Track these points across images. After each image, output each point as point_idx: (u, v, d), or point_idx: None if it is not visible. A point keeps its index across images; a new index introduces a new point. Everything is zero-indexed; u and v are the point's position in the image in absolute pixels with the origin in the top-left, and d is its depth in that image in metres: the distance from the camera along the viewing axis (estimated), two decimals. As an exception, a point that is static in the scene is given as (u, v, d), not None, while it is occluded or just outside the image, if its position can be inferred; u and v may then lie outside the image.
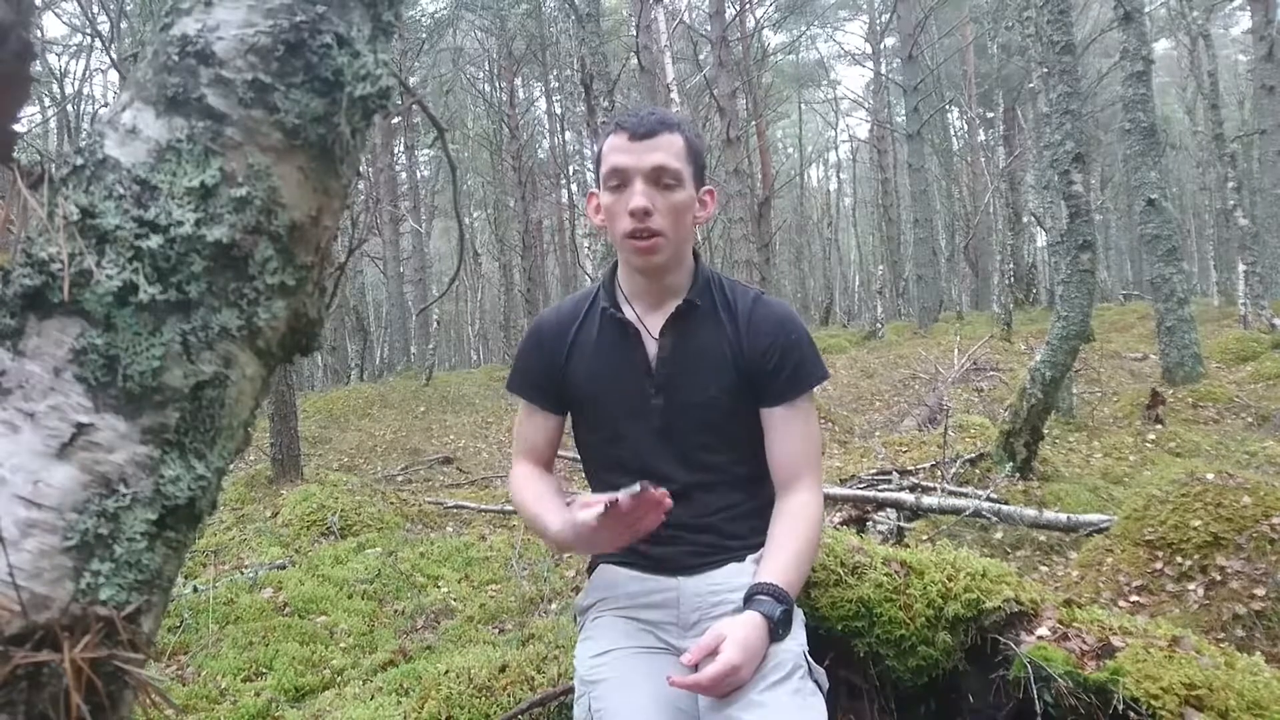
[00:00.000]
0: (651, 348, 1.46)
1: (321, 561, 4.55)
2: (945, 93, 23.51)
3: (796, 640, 1.36)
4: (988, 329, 14.33)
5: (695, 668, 1.26)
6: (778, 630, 1.30)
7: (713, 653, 1.25)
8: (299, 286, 0.57)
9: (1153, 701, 1.44)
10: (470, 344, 30.71)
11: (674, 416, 1.45)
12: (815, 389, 1.50)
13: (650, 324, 1.47)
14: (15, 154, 0.54)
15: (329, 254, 0.59)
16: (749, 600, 1.33)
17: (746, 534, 1.46)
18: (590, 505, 1.26)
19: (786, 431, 1.45)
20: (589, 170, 18.72)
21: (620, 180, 1.39)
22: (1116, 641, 1.59)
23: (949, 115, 26.50)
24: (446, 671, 2.19)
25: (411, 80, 19.44)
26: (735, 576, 1.42)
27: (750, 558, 1.45)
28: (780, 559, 1.37)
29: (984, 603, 1.69)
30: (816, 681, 1.35)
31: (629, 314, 1.48)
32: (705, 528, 1.46)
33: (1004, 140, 22.92)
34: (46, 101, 15.33)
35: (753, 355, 1.44)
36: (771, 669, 1.29)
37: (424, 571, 4.48)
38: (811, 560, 1.48)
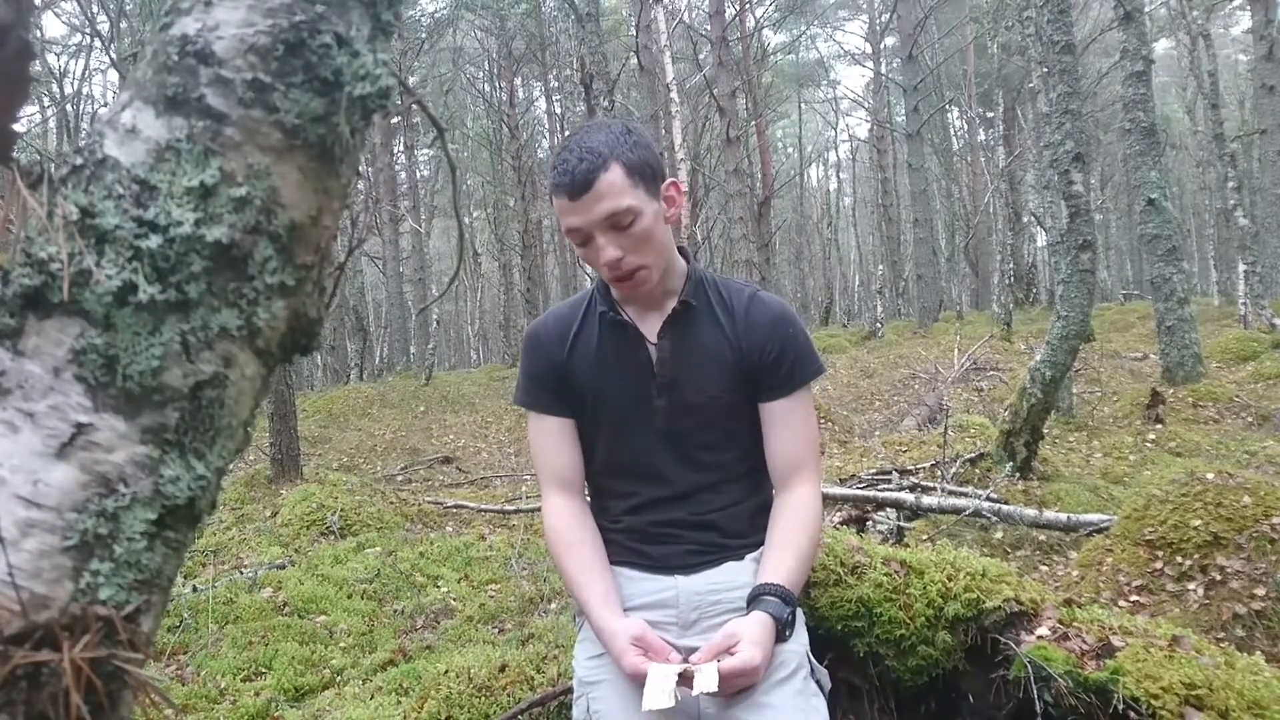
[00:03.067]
0: (652, 349, 1.45)
1: (321, 561, 4.55)
2: (945, 92, 23.48)
3: (799, 641, 1.36)
4: (988, 329, 14.33)
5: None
6: (784, 632, 1.30)
7: (725, 653, 1.25)
8: (299, 286, 0.57)
9: (1153, 701, 1.44)
10: (470, 344, 30.72)
11: (676, 417, 1.44)
12: (813, 385, 1.50)
13: (647, 326, 1.46)
14: (15, 154, 0.53)
15: (329, 254, 0.59)
16: (755, 600, 1.32)
17: (747, 532, 1.46)
18: (649, 650, 1.29)
19: (785, 426, 1.45)
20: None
21: (581, 239, 1.37)
22: (1116, 641, 1.59)
23: (949, 115, 26.48)
24: (446, 671, 2.19)
25: (411, 80, 19.44)
26: (735, 575, 1.42)
27: (750, 556, 1.45)
28: (784, 558, 1.37)
29: (984, 602, 1.69)
30: (818, 682, 1.35)
31: (626, 316, 1.47)
32: (707, 525, 1.45)
33: (1004, 140, 22.93)
34: (46, 101, 15.33)
35: (751, 351, 1.44)
36: (775, 669, 1.29)
37: (424, 571, 4.48)
38: (813, 558, 1.48)
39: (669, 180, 1.44)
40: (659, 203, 1.40)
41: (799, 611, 1.40)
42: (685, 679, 1.21)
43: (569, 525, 1.45)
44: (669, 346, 1.45)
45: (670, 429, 1.45)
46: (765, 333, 1.44)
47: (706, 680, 1.19)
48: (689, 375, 1.44)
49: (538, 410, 1.50)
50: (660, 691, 1.18)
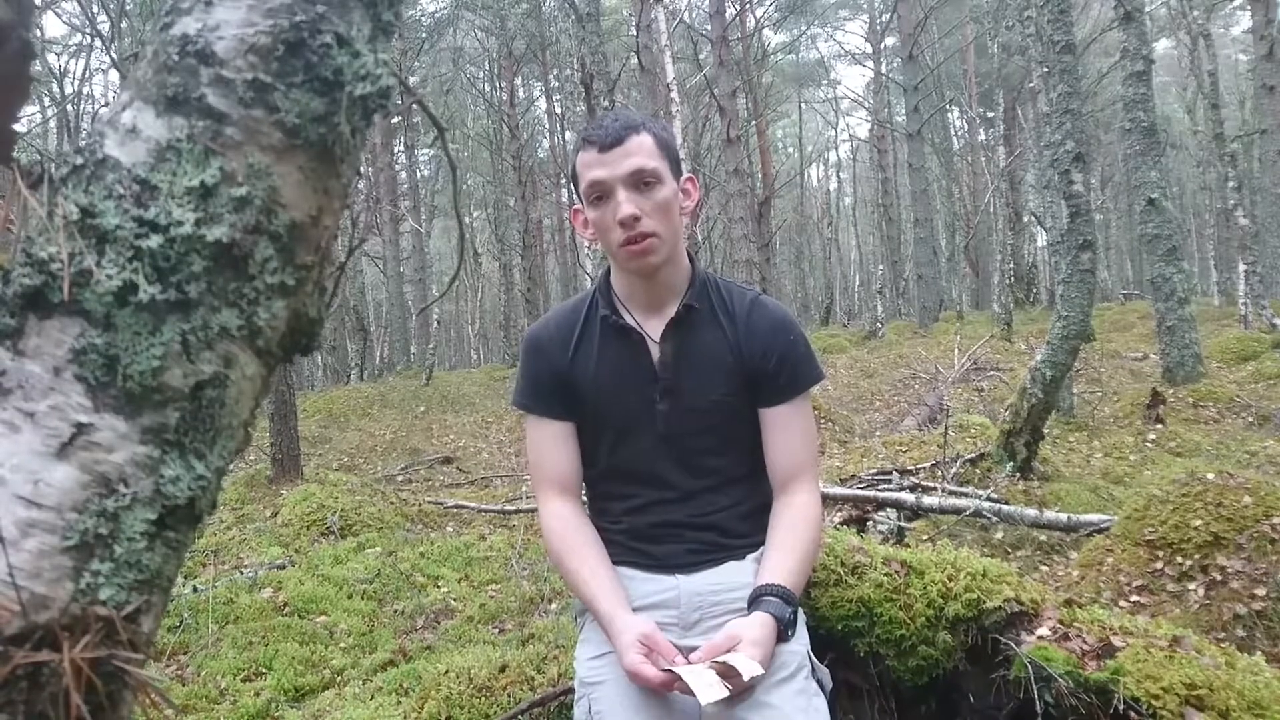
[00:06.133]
0: (654, 352, 1.45)
1: (321, 561, 4.55)
2: (945, 92, 23.50)
3: (800, 641, 1.36)
4: (988, 329, 14.32)
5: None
6: (786, 632, 1.30)
7: (724, 653, 1.25)
8: (299, 286, 0.56)
9: (1153, 701, 1.44)
10: (470, 344, 30.71)
11: (678, 421, 1.44)
12: (813, 389, 1.50)
13: (650, 328, 1.46)
14: (15, 154, 0.53)
15: (329, 254, 0.59)
16: (756, 601, 1.32)
17: (748, 532, 1.46)
18: (653, 649, 1.26)
19: (785, 431, 1.45)
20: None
21: (601, 193, 1.37)
22: (1117, 641, 1.58)
23: (949, 115, 26.50)
24: (446, 671, 2.19)
25: (411, 80, 19.44)
26: (736, 575, 1.42)
27: (750, 557, 1.45)
28: (784, 560, 1.37)
29: (984, 603, 1.68)
30: (819, 681, 1.35)
31: (629, 320, 1.46)
32: (707, 526, 1.46)
33: (1004, 140, 22.91)
34: (46, 101, 15.32)
35: (752, 357, 1.44)
36: (776, 669, 1.29)
37: (424, 571, 4.48)
38: (814, 561, 1.48)
39: (687, 175, 1.47)
40: (678, 186, 1.43)
41: (800, 612, 1.40)
42: (721, 673, 1.19)
43: (571, 529, 1.45)
44: (671, 350, 1.45)
45: (671, 433, 1.45)
46: (765, 339, 1.45)
47: (712, 691, 1.17)
48: (691, 379, 1.45)
49: (538, 414, 1.50)
50: (708, 685, 1.16)
